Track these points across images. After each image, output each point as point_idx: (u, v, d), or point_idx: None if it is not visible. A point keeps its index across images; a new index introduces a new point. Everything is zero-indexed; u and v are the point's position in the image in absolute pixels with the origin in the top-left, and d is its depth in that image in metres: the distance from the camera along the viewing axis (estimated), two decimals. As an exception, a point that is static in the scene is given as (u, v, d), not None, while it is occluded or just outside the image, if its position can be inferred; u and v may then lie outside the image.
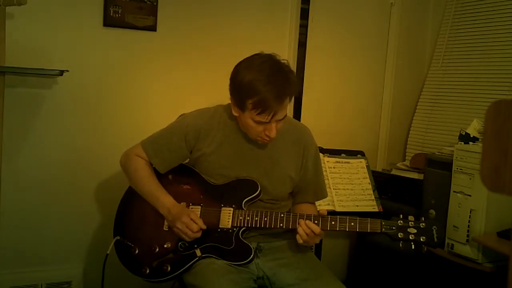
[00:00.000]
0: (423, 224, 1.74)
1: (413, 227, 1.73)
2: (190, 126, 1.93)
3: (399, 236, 1.73)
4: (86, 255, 2.48)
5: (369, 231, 1.76)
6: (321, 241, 1.94)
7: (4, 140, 2.19)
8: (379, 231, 1.75)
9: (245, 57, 1.86)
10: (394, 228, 1.74)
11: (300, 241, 1.78)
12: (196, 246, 1.85)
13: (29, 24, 2.23)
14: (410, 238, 1.72)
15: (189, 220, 1.82)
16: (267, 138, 1.84)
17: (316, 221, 1.78)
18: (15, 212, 2.31)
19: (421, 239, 1.72)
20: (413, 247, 1.72)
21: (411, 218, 1.75)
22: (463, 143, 2.40)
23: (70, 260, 2.45)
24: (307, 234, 1.76)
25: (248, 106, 1.76)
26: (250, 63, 1.79)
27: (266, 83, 1.72)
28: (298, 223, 1.78)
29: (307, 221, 1.78)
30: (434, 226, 1.73)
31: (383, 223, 1.75)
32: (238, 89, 1.78)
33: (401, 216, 1.76)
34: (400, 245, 1.74)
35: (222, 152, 1.92)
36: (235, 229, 1.85)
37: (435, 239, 1.71)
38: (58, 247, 2.41)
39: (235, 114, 1.85)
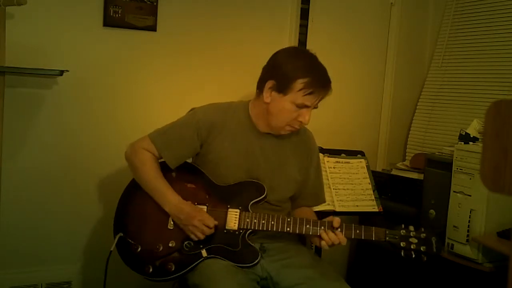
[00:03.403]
0: (424, 234, 1.78)
1: (414, 237, 1.78)
2: (203, 119, 1.92)
3: (401, 245, 1.77)
4: (86, 255, 2.48)
5: (373, 239, 1.79)
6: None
7: (4, 140, 2.19)
8: (383, 239, 1.78)
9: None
10: (397, 237, 1.78)
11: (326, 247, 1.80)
12: (202, 246, 1.84)
13: (29, 24, 2.23)
14: (412, 247, 1.77)
15: (205, 217, 1.83)
16: (296, 126, 1.88)
17: (322, 227, 1.79)
18: (15, 211, 2.31)
19: (422, 249, 1.76)
20: (413, 256, 1.77)
21: (411, 228, 1.80)
22: (463, 143, 2.39)
23: (70, 260, 2.45)
24: (333, 243, 1.79)
25: (296, 87, 1.80)
26: (294, 51, 1.93)
27: (317, 68, 1.84)
28: (321, 234, 1.79)
29: (334, 232, 1.79)
30: (433, 237, 1.78)
31: (387, 232, 1.79)
32: (287, 69, 1.82)
33: (403, 225, 1.81)
34: (402, 253, 1.78)
35: (233, 150, 1.92)
36: (241, 231, 1.84)
37: (434, 250, 1.76)
38: (58, 247, 2.41)
39: (266, 101, 1.86)
